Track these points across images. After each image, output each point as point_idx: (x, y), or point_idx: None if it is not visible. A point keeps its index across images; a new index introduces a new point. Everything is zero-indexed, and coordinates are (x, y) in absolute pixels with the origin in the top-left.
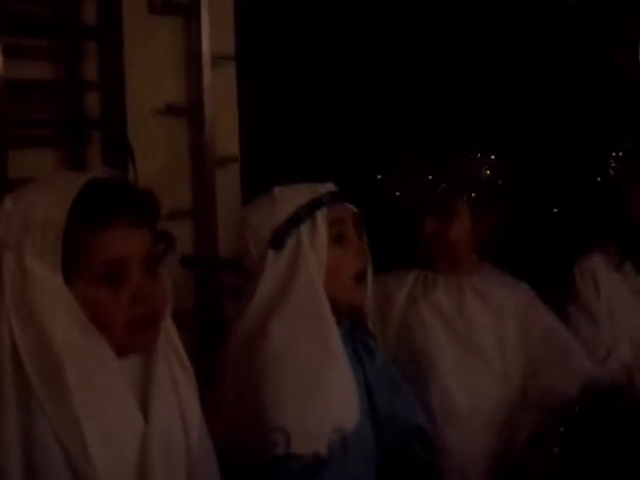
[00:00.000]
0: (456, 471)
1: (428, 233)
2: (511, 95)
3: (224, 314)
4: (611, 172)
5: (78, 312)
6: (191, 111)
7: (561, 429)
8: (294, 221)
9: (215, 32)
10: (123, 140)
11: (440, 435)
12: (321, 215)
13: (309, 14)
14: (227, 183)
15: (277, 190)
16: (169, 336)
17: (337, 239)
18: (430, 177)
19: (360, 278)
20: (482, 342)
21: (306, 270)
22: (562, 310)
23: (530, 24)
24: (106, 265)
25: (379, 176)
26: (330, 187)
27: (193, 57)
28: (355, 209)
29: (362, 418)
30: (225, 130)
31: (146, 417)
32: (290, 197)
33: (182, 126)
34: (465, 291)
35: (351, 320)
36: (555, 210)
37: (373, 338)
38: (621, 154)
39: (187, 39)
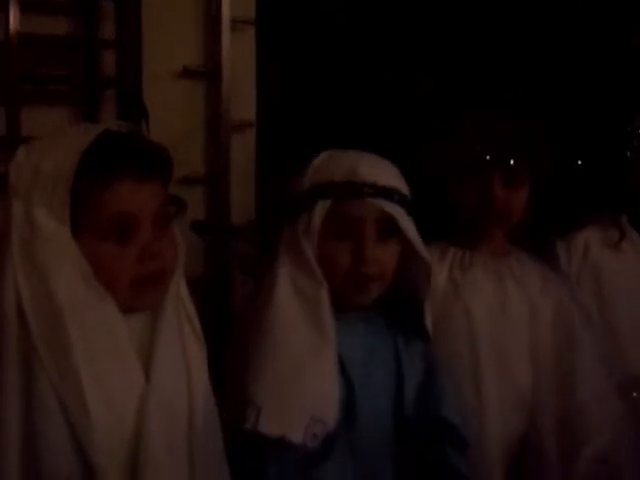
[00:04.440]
0: (479, 456)
1: (496, 194)
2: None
3: (234, 281)
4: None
5: (84, 266)
6: (208, 75)
7: None
8: (309, 197)
9: None
10: (138, 101)
11: (472, 418)
12: (322, 206)
13: None
14: (242, 149)
15: (326, 154)
16: (180, 298)
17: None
18: (501, 138)
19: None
20: (516, 325)
21: (304, 254)
22: None
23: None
24: (113, 219)
25: (428, 143)
26: (362, 176)
27: (212, 20)
28: (382, 207)
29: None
30: (242, 95)
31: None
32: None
33: (198, 90)
34: (504, 275)
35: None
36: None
37: (421, 325)
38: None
39: (207, 1)
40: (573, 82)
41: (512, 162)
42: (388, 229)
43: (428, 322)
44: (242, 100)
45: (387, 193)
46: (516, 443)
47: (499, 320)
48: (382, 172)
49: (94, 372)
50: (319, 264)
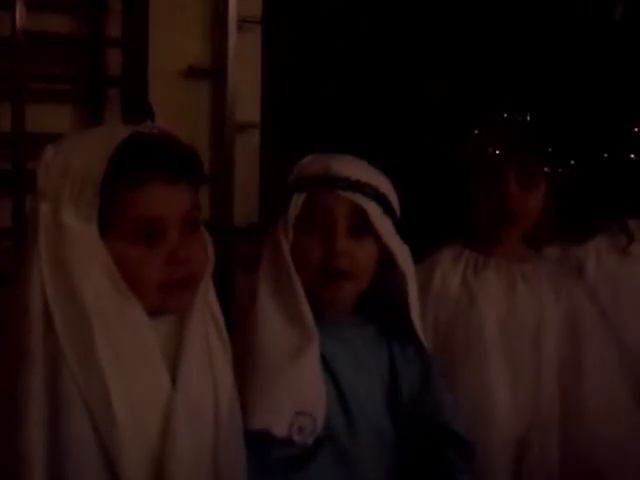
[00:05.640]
0: (487, 459)
1: (510, 191)
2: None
3: (237, 282)
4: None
5: (111, 268)
6: (214, 74)
7: None
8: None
9: None
10: (143, 100)
11: (480, 422)
12: (297, 200)
13: None
14: (246, 150)
15: (309, 156)
16: (208, 302)
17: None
18: (516, 136)
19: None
20: (524, 330)
21: (281, 250)
22: None
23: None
24: (141, 222)
25: (444, 143)
26: (335, 170)
27: (219, 19)
28: (354, 201)
29: (381, 407)
30: (247, 95)
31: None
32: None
33: (204, 89)
34: (515, 280)
35: (392, 309)
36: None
37: (412, 330)
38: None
39: (214, 0)
40: (574, 86)
41: (526, 160)
42: (363, 226)
43: (418, 327)
44: (247, 101)
45: (360, 187)
46: (523, 446)
47: (507, 325)
48: (356, 168)
49: (119, 374)
50: (294, 259)
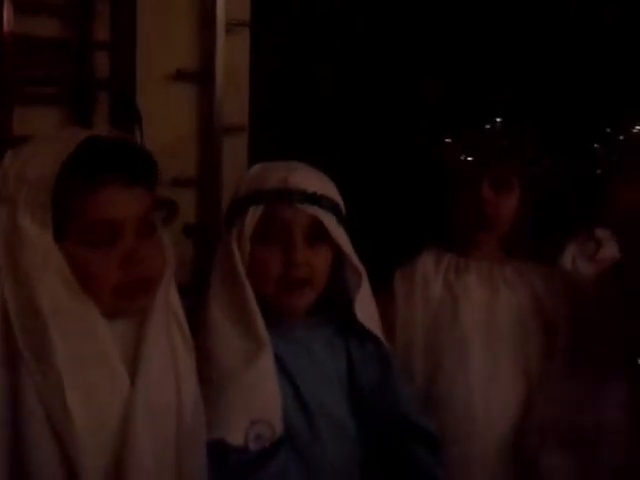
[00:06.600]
0: (470, 460)
1: (485, 197)
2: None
3: None
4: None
5: (66, 272)
6: (202, 77)
7: None
8: (243, 203)
9: None
10: (131, 103)
11: (459, 423)
12: (254, 212)
13: None
14: (234, 153)
15: (260, 164)
16: (169, 303)
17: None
18: (490, 142)
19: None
20: (505, 333)
21: (233, 260)
22: None
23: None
24: (96, 225)
25: (423, 148)
26: (292, 183)
27: (207, 22)
28: (311, 213)
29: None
30: (235, 99)
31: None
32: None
33: (192, 92)
34: (496, 282)
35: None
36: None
37: (365, 329)
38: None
39: (202, 2)
40: (556, 89)
41: (500, 166)
42: (318, 235)
43: (366, 323)
44: (235, 103)
45: (316, 200)
46: (505, 451)
47: (490, 326)
48: (312, 180)
49: (77, 377)
50: (252, 271)
